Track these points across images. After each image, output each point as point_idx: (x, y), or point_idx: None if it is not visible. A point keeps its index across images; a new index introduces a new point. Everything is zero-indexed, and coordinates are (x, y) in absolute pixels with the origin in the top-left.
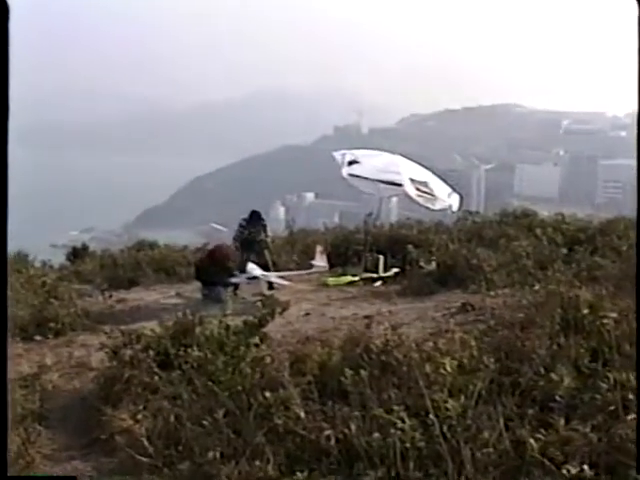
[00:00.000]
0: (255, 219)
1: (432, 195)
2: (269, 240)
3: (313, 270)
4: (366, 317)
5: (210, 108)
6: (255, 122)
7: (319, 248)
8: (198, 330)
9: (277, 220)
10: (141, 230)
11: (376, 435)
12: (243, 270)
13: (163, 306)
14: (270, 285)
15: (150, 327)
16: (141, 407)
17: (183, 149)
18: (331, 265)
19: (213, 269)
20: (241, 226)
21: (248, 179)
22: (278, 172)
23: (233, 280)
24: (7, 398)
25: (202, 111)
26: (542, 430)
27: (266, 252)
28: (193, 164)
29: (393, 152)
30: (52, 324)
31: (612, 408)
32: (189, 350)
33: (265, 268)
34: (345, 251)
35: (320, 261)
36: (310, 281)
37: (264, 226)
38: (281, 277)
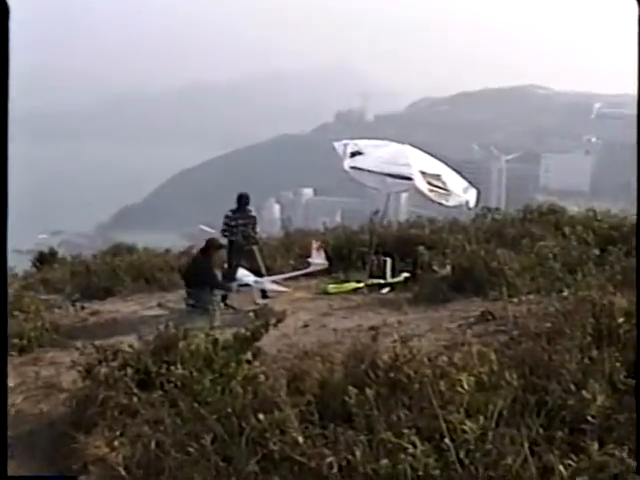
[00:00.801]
0: (243, 205)
1: (446, 190)
2: (258, 237)
3: (311, 269)
4: (372, 328)
5: (196, 93)
6: (247, 109)
7: (315, 244)
8: (182, 345)
9: (271, 220)
10: (117, 232)
11: (384, 462)
12: (233, 277)
13: (143, 318)
14: (264, 293)
15: (128, 342)
16: (118, 433)
17: (165, 139)
18: (332, 268)
19: (205, 265)
20: (227, 217)
21: (239, 173)
22: (272, 165)
23: (222, 287)
24: (7, 398)
25: (187, 96)
26: (572, 455)
27: (257, 254)
28: (177, 156)
29: (402, 141)
30: (16, 340)
31: None
32: (172, 368)
33: (257, 274)
34: (348, 254)
35: (317, 258)
36: (309, 288)
37: (252, 217)
38: (275, 282)
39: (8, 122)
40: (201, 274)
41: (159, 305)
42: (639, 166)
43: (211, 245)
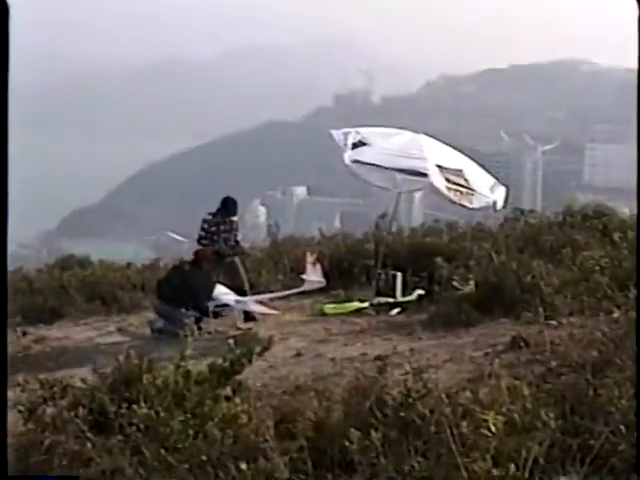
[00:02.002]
0: (227, 210)
1: (469, 188)
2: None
3: (304, 288)
4: (379, 358)
5: (165, 73)
6: (227, 91)
7: (310, 257)
8: (147, 379)
9: (255, 225)
10: (67, 241)
11: None
12: (209, 295)
13: (98, 346)
14: (247, 315)
15: (80, 375)
16: None
17: (126, 129)
18: (330, 284)
19: (199, 279)
20: (206, 222)
21: (215, 169)
22: (257, 159)
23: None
24: (6, 398)
25: (154, 77)
26: None
27: (240, 268)
28: (140, 148)
29: (415, 129)
30: None
31: None
32: (134, 407)
33: (240, 292)
34: (349, 267)
35: (313, 274)
36: (302, 309)
37: (234, 222)
38: (261, 302)
39: (8, 120)
40: (185, 289)
41: (119, 330)
42: (639, 166)
43: (201, 256)
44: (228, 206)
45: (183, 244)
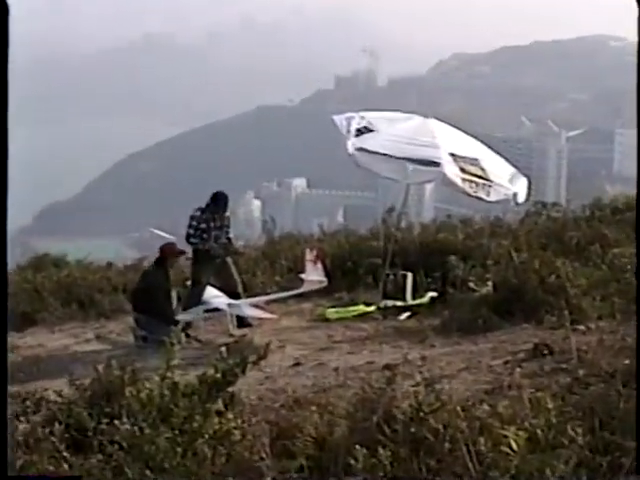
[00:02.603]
0: (218, 206)
1: (486, 179)
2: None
3: (304, 289)
4: (387, 367)
5: (145, 51)
6: (215, 72)
7: (310, 254)
8: (130, 391)
9: (249, 221)
10: (40, 239)
11: None
12: (199, 298)
13: (76, 355)
14: (241, 321)
15: (56, 388)
16: None
17: (102, 113)
18: (332, 286)
19: (158, 282)
20: (195, 218)
21: (206, 158)
22: (250, 147)
23: (185, 316)
24: (7, 398)
25: (132, 55)
26: None
27: (232, 268)
28: (119, 136)
29: (425, 114)
30: None
31: None
32: (116, 422)
33: (233, 295)
34: (354, 267)
35: (313, 274)
36: (301, 313)
37: (227, 218)
38: (256, 306)
39: (8, 119)
40: (152, 294)
41: (98, 338)
42: (639, 164)
43: (167, 252)
44: (219, 201)
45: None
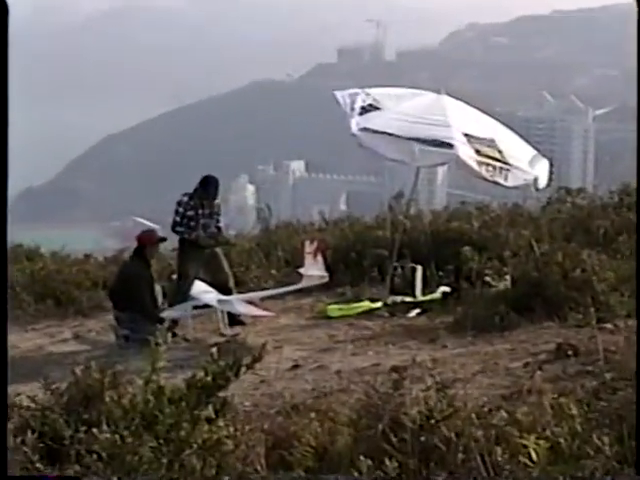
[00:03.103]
0: (208, 192)
1: (504, 162)
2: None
3: (304, 284)
4: (395, 370)
5: (127, 18)
6: (206, 42)
7: (310, 247)
8: (110, 396)
9: (242, 208)
10: (11, 228)
11: None
12: (186, 294)
13: (51, 357)
14: (233, 318)
15: (29, 393)
16: None
17: (78, 91)
18: (334, 280)
19: (137, 275)
20: (182, 205)
21: (195, 138)
22: (244, 127)
23: (171, 313)
24: (7, 397)
25: (114, 23)
26: None
27: (223, 261)
28: (97, 115)
29: (437, 90)
30: None
31: None
32: (95, 430)
33: (224, 290)
34: (358, 259)
35: (313, 268)
36: (300, 310)
37: (217, 205)
38: (250, 302)
39: (8, 121)
40: (132, 288)
41: (76, 337)
42: (639, 164)
43: (145, 240)
44: (208, 185)
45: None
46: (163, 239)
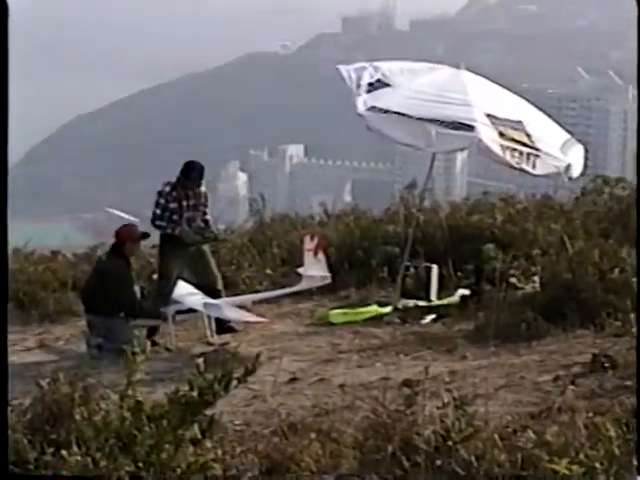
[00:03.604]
0: (191, 180)
1: (532, 147)
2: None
3: (303, 286)
4: (406, 384)
5: None
6: (191, 10)
7: (310, 243)
8: (81, 413)
9: (234, 199)
10: None
11: None
12: (168, 296)
13: (14, 368)
14: (222, 325)
15: None
16: None
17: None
18: (337, 282)
19: (116, 274)
20: (163, 195)
21: (174, 121)
22: (235, 107)
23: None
24: (7, 397)
25: None
26: None
27: (211, 259)
28: (66, 91)
29: (456, 65)
30: None
31: None
32: (64, 452)
33: (211, 292)
34: (365, 258)
35: (314, 267)
36: (299, 316)
37: (203, 195)
38: (241, 306)
39: (8, 119)
40: (109, 290)
41: (41, 346)
42: (638, 162)
43: (125, 237)
44: (190, 172)
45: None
46: (146, 235)
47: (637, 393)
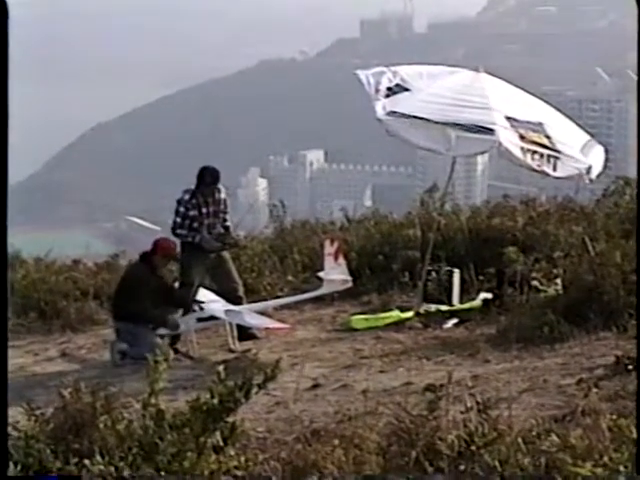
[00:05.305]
0: (206, 186)
1: (552, 149)
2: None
3: (324, 290)
4: (429, 389)
5: None
6: (207, 16)
7: (330, 247)
8: (104, 422)
9: (254, 206)
10: None
11: None
12: (189, 303)
13: (35, 378)
14: (243, 332)
15: (10, 418)
16: None
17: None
18: (358, 286)
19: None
20: (182, 203)
21: (199, 126)
22: (253, 113)
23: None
24: (7, 396)
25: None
26: None
27: (231, 266)
28: (86, 99)
29: (475, 68)
30: None
31: None
32: (87, 462)
33: (232, 299)
34: (386, 262)
35: (335, 272)
36: (321, 322)
37: (223, 202)
38: (262, 313)
39: (8, 120)
40: (136, 298)
41: (63, 355)
42: (639, 164)
43: (161, 250)
44: (204, 178)
45: (151, 232)
46: (177, 258)
47: (637, 393)
